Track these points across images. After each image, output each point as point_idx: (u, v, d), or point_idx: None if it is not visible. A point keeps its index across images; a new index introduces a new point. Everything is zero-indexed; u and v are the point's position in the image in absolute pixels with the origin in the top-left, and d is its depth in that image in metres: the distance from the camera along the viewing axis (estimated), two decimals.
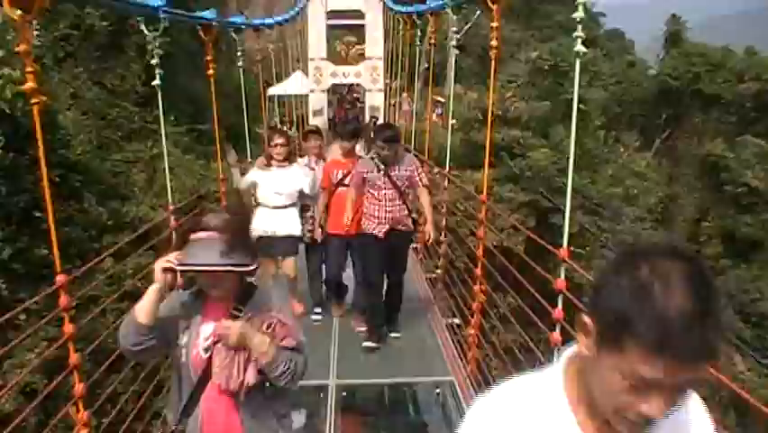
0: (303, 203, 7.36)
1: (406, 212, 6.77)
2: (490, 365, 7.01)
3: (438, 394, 6.10)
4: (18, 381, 6.11)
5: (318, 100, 25.33)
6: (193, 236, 2.68)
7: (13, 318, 9.39)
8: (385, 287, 7.15)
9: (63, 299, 3.83)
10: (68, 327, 3.87)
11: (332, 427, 5.43)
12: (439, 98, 24.62)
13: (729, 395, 13.17)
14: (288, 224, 7.06)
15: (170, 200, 6.83)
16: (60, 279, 3.83)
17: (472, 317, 6.42)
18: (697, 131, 32.68)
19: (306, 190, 7.06)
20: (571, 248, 5.45)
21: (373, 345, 6.92)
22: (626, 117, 34.42)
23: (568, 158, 4.62)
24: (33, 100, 3.76)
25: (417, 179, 6.71)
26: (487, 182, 6.68)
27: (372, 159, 6.71)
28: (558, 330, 4.08)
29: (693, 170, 30.47)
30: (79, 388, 3.91)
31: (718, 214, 27.28)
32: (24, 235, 10.02)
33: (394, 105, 22.68)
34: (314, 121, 25.79)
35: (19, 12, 3.49)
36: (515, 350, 6.04)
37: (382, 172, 6.57)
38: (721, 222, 26.81)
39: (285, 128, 24.06)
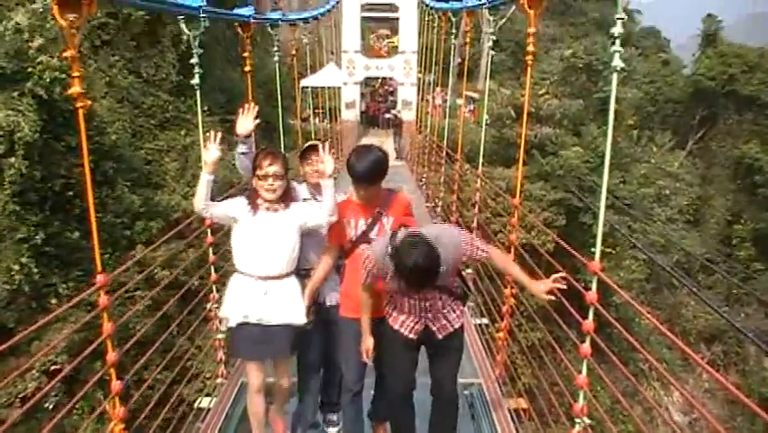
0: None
1: (453, 299, 4.31)
2: (518, 368, 7.02)
3: (467, 397, 6.08)
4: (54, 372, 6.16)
5: (351, 92, 25.38)
6: None
7: (46, 303, 9.64)
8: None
9: (103, 300, 3.90)
10: (107, 327, 3.94)
11: None
12: (472, 94, 24.51)
13: (758, 400, 13.04)
14: (285, 305, 4.48)
15: None
16: (101, 279, 3.89)
17: (502, 319, 6.41)
18: (731, 132, 32.27)
19: (324, 222, 4.42)
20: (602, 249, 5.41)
21: None
22: (660, 117, 34.07)
23: (602, 161, 4.53)
24: (79, 104, 3.82)
25: (474, 253, 4.14)
26: (519, 182, 6.60)
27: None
28: (588, 342, 4.07)
29: (727, 171, 30.11)
30: (116, 385, 3.97)
31: (751, 216, 26.94)
32: (57, 220, 10.19)
33: (427, 101, 22.64)
34: (346, 114, 25.83)
35: (69, 17, 3.56)
36: (542, 351, 6.04)
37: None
38: (754, 225, 26.47)
39: (316, 121, 24.04)
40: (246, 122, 4.67)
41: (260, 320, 4.42)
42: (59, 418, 4.91)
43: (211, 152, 4.31)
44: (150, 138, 14.56)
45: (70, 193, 10.33)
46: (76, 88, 3.77)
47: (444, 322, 4.28)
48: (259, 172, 4.30)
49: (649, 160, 24.11)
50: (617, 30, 3.89)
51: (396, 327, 4.31)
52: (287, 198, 4.42)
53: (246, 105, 4.68)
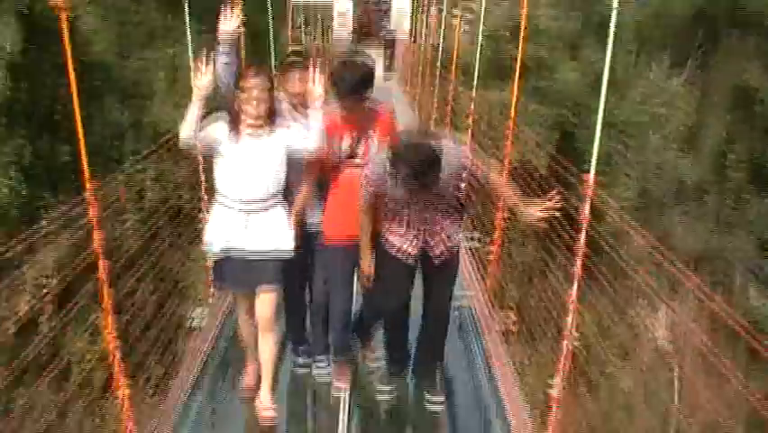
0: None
1: (449, 216, 4.28)
2: (509, 288, 7.06)
3: (457, 315, 6.11)
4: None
5: (343, 3, 24.81)
6: None
7: (35, 220, 9.58)
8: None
9: (93, 210, 3.84)
10: (98, 238, 3.88)
11: None
12: (470, 4, 24.00)
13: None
14: (270, 234, 4.28)
15: None
16: (90, 189, 3.82)
17: (493, 238, 6.40)
18: (733, 57, 31.80)
19: (311, 147, 4.20)
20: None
21: (389, 388, 4.94)
22: (659, 38, 33.49)
23: (599, 82, 4.45)
24: (61, 13, 3.68)
25: (473, 168, 4.19)
26: (515, 101, 6.46)
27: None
28: (579, 261, 4.06)
29: (725, 97, 29.82)
30: (107, 297, 3.95)
31: (747, 145, 26.81)
32: (45, 139, 10.06)
33: (422, 14, 22.14)
34: (339, 30, 25.32)
35: None
36: (532, 271, 6.07)
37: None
38: (749, 153, 26.35)
39: (304, 42, 23.44)
40: (229, 23, 4.22)
41: (242, 251, 4.23)
42: (52, 333, 4.95)
43: (202, 77, 4.00)
44: (137, 53, 14.22)
45: (58, 111, 10.16)
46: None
47: (442, 245, 4.25)
48: (243, 84, 4.04)
49: (646, 83, 23.80)
50: None
51: (392, 244, 4.27)
52: (271, 120, 4.14)
53: (230, 2, 4.41)
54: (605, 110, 4.25)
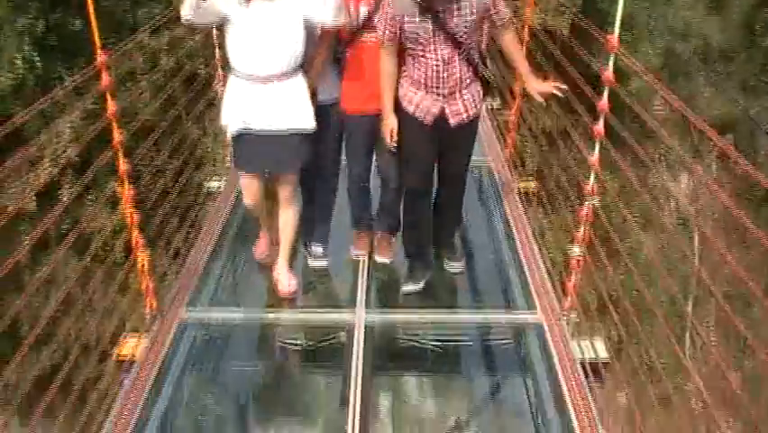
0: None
1: (471, 77, 4.13)
2: (529, 151, 7.00)
3: (476, 177, 6.07)
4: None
5: None
6: None
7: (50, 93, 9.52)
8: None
9: (105, 79, 3.75)
10: (111, 106, 3.81)
11: None
12: None
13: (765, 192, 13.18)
14: (290, 110, 4.00)
15: None
16: (101, 57, 3.72)
17: (513, 100, 6.29)
18: None
19: (330, 22, 3.87)
20: None
21: (416, 288, 4.72)
22: None
23: None
24: None
25: (496, 16, 4.03)
26: None
27: None
28: (602, 122, 3.97)
29: None
30: (124, 165, 3.95)
31: None
32: (57, 10, 9.85)
33: None
34: None
35: None
36: (553, 135, 5.99)
37: (429, 20, 3.84)
38: None
39: None
40: None
41: (261, 129, 4.00)
42: (69, 201, 4.98)
43: None
44: None
45: None
46: None
47: (461, 106, 4.11)
48: None
49: None
50: None
51: (411, 110, 4.13)
52: None
53: None
54: None
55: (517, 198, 5.74)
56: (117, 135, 3.84)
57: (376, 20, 4.06)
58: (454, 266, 4.89)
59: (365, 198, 4.88)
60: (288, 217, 4.46)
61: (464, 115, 4.15)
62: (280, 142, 4.04)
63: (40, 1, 9.54)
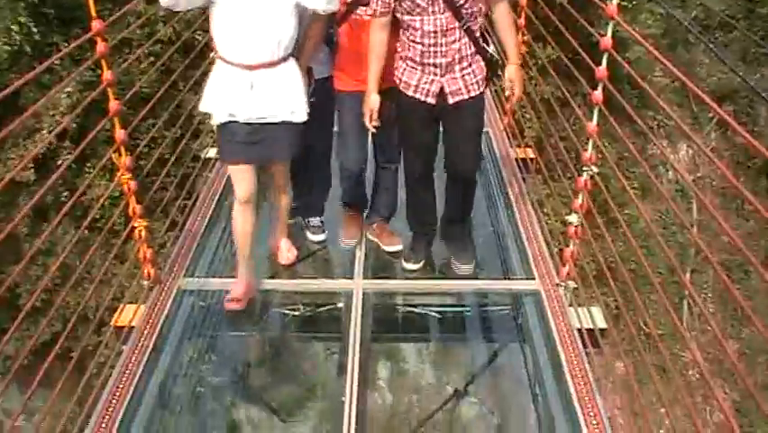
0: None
1: (472, 50, 3.91)
2: (527, 120, 6.97)
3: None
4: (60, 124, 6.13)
5: None
6: None
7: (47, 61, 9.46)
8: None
9: (100, 46, 3.72)
10: (107, 74, 3.77)
11: None
12: None
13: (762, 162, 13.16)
14: (281, 99, 3.77)
15: None
16: (96, 25, 3.68)
17: None
18: None
19: (321, 7, 3.62)
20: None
21: (417, 266, 4.63)
22: None
23: None
24: None
25: None
26: None
27: None
28: (600, 89, 3.94)
29: None
30: (120, 134, 3.93)
31: None
32: None
33: None
34: None
35: None
36: (552, 103, 5.95)
37: None
38: None
39: None
40: None
41: (249, 119, 3.72)
42: (65, 168, 4.93)
43: None
44: None
45: None
46: None
47: (461, 83, 3.92)
48: None
49: None
50: None
51: (410, 92, 3.96)
52: None
53: None
54: None
55: (516, 167, 5.73)
56: (113, 103, 3.81)
57: None
58: (462, 268, 4.63)
59: (359, 179, 4.71)
60: (284, 203, 4.38)
61: (465, 94, 3.94)
62: (271, 131, 3.80)
63: None
